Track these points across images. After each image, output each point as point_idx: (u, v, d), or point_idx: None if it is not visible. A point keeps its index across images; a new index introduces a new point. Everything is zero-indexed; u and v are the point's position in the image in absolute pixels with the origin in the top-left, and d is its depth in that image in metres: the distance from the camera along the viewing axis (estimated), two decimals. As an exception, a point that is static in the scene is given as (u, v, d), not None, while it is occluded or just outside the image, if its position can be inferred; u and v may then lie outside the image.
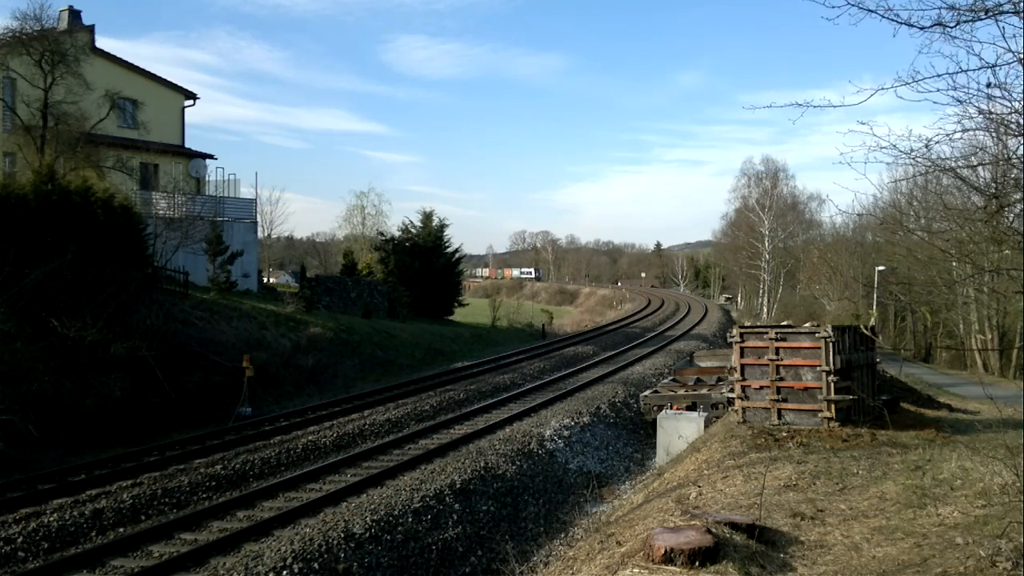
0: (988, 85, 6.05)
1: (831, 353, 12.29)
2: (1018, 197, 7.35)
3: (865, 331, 13.45)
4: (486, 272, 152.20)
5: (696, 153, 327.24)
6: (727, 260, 78.72)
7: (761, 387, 12.94)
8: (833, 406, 12.23)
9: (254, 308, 25.62)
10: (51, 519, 10.96)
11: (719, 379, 19.51)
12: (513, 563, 9.81)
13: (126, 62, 32.83)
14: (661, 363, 27.83)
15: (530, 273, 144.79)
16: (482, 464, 14.11)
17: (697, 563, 5.67)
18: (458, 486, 12.90)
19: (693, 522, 6.78)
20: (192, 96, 35.14)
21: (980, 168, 7.58)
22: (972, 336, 41.48)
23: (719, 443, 12.42)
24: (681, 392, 18.55)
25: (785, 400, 12.72)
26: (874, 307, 43.28)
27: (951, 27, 5.74)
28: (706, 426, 15.38)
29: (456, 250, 47.75)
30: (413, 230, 46.62)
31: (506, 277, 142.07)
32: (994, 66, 5.92)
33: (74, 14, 31.59)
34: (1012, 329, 39.95)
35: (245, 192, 49.61)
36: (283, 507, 11.67)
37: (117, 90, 27.75)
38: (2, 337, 16.11)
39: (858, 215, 22.49)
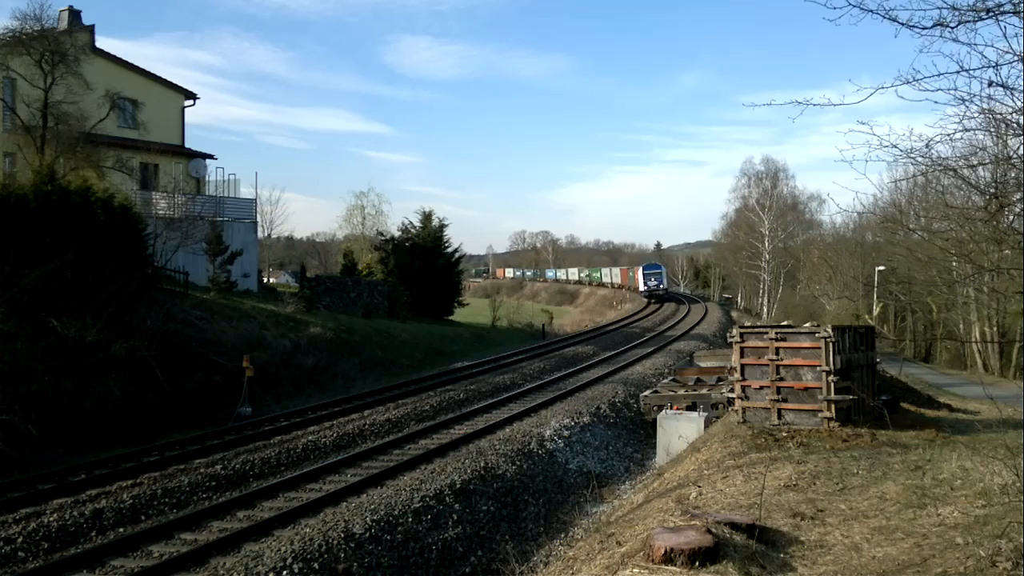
0: (990, 84, 6.06)
1: (831, 353, 12.28)
2: (1018, 197, 7.35)
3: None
4: (618, 277, 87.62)
5: (696, 153, 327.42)
6: (727, 260, 78.59)
7: (761, 387, 12.93)
8: (833, 406, 12.22)
9: (254, 308, 25.62)
10: (51, 519, 10.97)
11: (719, 379, 19.49)
12: (513, 563, 9.80)
13: (126, 62, 32.86)
14: (661, 363, 27.81)
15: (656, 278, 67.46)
16: (482, 464, 14.10)
17: (697, 563, 5.67)
18: (458, 486, 12.89)
19: (693, 522, 6.77)
20: (192, 96, 35.17)
21: (980, 168, 7.59)
22: (972, 336, 41.46)
23: (719, 443, 12.41)
24: (681, 392, 18.54)
25: (785, 400, 12.72)
26: (874, 308, 43.22)
27: (952, 27, 5.74)
28: (706, 426, 15.37)
29: (456, 250, 47.85)
30: (413, 230, 46.66)
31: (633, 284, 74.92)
32: (995, 66, 5.93)
33: (74, 14, 31.59)
34: (1012, 329, 39.94)
35: (245, 192, 49.64)
36: (283, 507, 11.67)
37: (117, 90, 27.77)
38: (2, 337, 16.11)
39: (858, 214, 22.58)
